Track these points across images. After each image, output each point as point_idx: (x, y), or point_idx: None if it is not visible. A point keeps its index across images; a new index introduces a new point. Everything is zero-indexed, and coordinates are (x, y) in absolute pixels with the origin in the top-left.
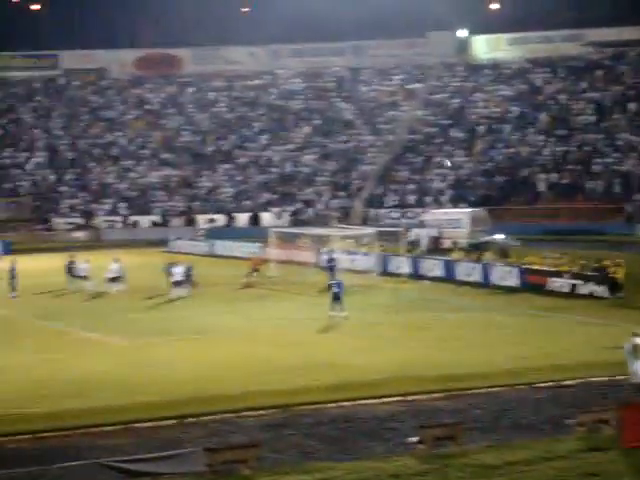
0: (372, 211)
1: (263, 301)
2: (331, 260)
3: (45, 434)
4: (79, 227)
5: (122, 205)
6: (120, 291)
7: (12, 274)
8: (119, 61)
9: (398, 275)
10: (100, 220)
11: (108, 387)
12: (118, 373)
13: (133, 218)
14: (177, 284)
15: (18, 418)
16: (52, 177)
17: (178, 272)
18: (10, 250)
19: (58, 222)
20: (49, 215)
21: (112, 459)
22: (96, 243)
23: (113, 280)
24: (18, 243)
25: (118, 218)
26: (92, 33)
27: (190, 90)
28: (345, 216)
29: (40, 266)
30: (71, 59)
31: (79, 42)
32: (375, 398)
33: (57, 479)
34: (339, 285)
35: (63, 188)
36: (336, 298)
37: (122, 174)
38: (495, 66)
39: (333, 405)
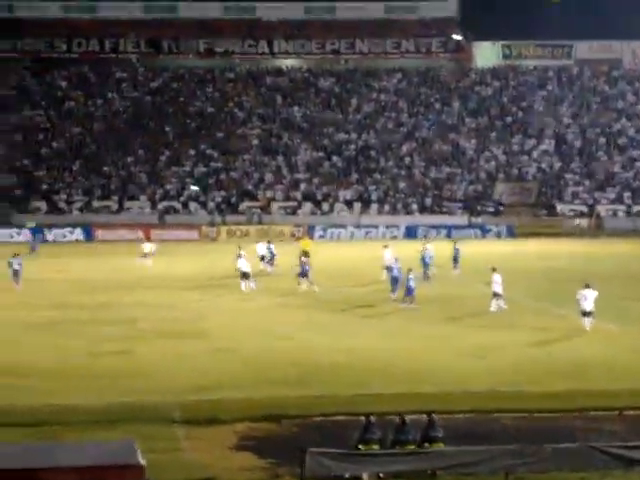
0: None
1: None
2: None
3: (539, 414)
4: (582, 214)
5: (627, 194)
6: None
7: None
8: (632, 51)
9: None
10: (603, 208)
11: (599, 371)
12: (610, 358)
13: (637, 207)
14: None
15: (515, 395)
16: (558, 164)
17: None
18: (514, 234)
19: (562, 208)
20: (553, 201)
21: (606, 444)
22: (597, 231)
23: None
24: (521, 227)
25: (622, 207)
26: (607, 23)
27: None
28: None
29: (545, 249)
30: (585, 49)
31: (594, 32)
32: None
33: (550, 460)
34: None
35: (568, 175)
36: None
37: (629, 163)
38: None
39: None
